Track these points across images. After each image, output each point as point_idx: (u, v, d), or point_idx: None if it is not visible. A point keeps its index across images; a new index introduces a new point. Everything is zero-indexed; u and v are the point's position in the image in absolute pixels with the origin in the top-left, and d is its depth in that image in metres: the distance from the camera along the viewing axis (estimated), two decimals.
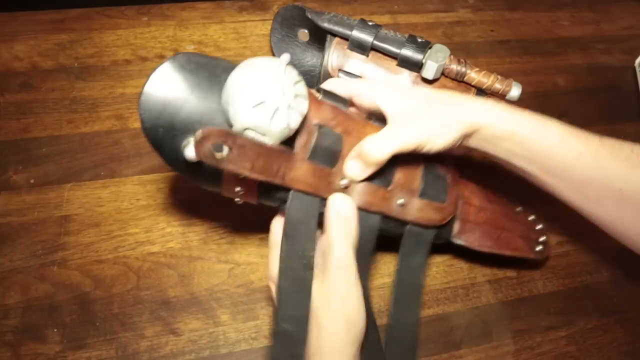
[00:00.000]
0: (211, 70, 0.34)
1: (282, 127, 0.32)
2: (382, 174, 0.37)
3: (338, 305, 0.33)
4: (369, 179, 0.38)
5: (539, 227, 0.47)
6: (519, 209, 0.47)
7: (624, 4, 0.74)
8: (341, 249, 0.34)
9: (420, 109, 0.37)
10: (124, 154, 0.49)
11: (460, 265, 0.47)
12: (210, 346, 0.41)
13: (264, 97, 0.31)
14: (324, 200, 0.37)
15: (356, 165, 0.37)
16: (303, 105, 0.33)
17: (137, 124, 0.51)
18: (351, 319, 0.33)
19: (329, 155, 0.36)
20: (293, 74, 0.33)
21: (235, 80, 0.32)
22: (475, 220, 0.43)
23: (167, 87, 0.33)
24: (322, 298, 0.34)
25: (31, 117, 0.50)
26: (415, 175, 0.39)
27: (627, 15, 0.73)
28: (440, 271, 0.46)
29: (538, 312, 0.45)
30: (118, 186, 0.47)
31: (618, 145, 0.38)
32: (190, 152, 0.32)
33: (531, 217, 0.47)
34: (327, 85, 0.42)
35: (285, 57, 0.33)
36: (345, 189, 0.37)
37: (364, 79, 0.49)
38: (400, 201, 0.39)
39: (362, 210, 0.38)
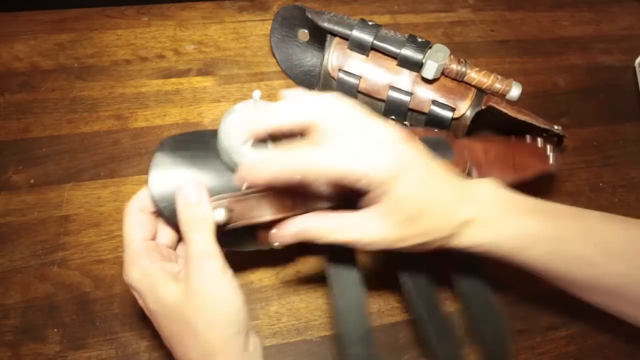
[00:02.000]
0: (199, 140, 0.36)
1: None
2: None
3: (208, 301, 0.31)
4: None
5: (540, 140, 0.49)
6: (513, 138, 0.48)
7: (624, 4, 0.74)
8: (197, 240, 0.32)
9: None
10: (124, 154, 0.49)
11: None
12: None
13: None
14: None
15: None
16: None
17: (137, 124, 0.51)
18: (227, 311, 0.31)
19: None
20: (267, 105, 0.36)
21: (225, 131, 0.34)
22: (487, 159, 0.44)
23: (170, 172, 0.34)
24: (190, 299, 0.31)
25: (31, 117, 0.50)
26: None
27: (627, 15, 0.72)
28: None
29: (538, 312, 0.45)
30: (118, 186, 0.47)
31: (607, 239, 0.35)
32: (219, 215, 0.33)
33: (528, 137, 0.49)
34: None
35: (256, 93, 0.35)
36: None
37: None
38: None
39: None
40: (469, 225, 0.33)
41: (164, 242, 0.36)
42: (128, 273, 0.33)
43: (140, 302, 0.34)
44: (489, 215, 0.34)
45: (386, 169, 0.30)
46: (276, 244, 0.35)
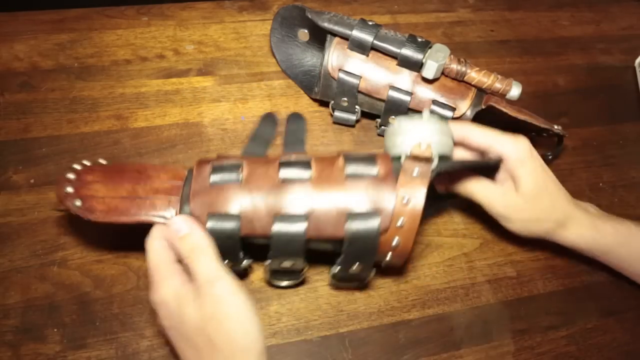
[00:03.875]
0: None
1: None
2: None
3: (226, 320, 0.32)
4: None
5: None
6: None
7: (624, 4, 0.74)
8: (200, 268, 0.34)
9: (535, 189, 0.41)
10: (124, 154, 0.49)
11: (460, 265, 0.47)
12: None
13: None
14: None
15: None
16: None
17: (137, 124, 0.51)
18: (245, 328, 0.32)
19: None
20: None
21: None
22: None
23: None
24: (208, 324, 0.32)
25: (31, 117, 0.50)
26: None
27: (627, 15, 0.73)
28: (440, 271, 0.46)
29: (538, 312, 0.45)
30: None
31: None
32: None
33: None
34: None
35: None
36: None
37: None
38: None
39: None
40: (574, 220, 0.43)
41: None
42: (161, 291, 0.34)
43: (165, 321, 0.34)
44: (587, 217, 0.43)
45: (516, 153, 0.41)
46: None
